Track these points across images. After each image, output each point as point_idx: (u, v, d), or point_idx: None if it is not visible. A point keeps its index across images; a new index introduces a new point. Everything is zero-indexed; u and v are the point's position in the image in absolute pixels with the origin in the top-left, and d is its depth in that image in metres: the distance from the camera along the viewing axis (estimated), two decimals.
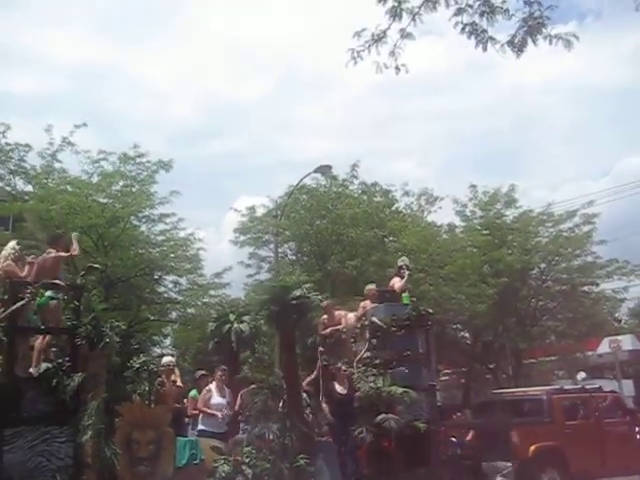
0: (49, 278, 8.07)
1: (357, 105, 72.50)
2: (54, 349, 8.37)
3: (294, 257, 25.51)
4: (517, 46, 6.62)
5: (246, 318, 9.33)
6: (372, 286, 11.55)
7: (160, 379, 8.35)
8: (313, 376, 9.27)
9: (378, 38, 6.80)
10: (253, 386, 9.24)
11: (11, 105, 58.24)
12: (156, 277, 23.03)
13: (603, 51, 72.94)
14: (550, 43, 6.51)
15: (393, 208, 24.96)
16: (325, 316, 10.14)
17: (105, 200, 21.22)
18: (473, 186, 25.03)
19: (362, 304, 10.83)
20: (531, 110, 71.40)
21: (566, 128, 73.95)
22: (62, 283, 8.17)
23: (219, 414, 8.93)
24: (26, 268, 8.61)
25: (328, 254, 23.60)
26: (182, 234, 22.67)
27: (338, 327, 10.17)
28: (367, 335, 9.81)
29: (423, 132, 72.29)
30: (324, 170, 22.97)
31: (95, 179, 21.35)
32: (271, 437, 8.41)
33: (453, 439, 11.05)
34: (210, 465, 8.25)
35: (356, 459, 9.36)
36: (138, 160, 21.46)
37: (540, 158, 72.31)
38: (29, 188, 21.40)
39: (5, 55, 63.44)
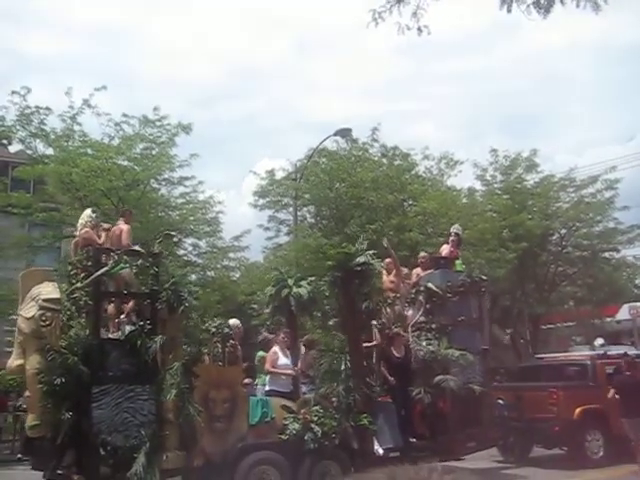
0: (124, 246, 8.58)
1: (378, 66, 72.01)
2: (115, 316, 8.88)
3: (313, 220, 25.93)
4: (544, 7, 6.49)
5: (304, 283, 9.86)
6: (424, 254, 12.07)
7: (232, 341, 8.92)
8: (373, 341, 9.82)
9: None
10: (310, 351, 9.81)
11: (30, 68, 58.09)
12: (176, 239, 23.55)
13: (630, 10, 72.38)
14: (577, 6, 6.42)
15: (413, 172, 25.22)
16: (390, 277, 10.66)
17: (125, 163, 21.52)
18: (494, 150, 25.36)
19: (414, 271, 11.34)
20: (555, 72, 70.92)
21: (591, 91, 73.61)
22: (142, 250, 8.67)
23: (290, 371, 9.46)
24: (102, 235, 9.11)
25: (347, 218, 24.01)
26: (202, 197, 23.13)
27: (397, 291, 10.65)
28: (422, 301, 10.37)
29: (444, 94, 71.99)
30: (344, 133, 23.27)
31: (116, 142, 21.67)
32: (335, 397, 9.01)
33: (500, 401, 11.71)
34: (280, 423, 8.86)
35: (412, 419, 9.99)
36: (158, 123, 21.79)
37: (564, 122, 72.02)
38: (50, 151, 21.63)
39: (22, 17, 62.92)
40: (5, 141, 32.49)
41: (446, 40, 68.58)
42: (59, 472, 7.84)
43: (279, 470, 8.63)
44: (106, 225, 9.49)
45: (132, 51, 70.40)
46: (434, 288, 10.28)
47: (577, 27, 70.05)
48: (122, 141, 21.58)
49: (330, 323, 10.16)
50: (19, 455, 15.59)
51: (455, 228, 12.43)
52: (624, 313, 24.28)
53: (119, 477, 7.75)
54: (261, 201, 24.75)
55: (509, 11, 6.59)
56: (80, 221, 9.27)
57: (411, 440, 9.70)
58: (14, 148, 27.86)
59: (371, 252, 9.54)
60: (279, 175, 24.85)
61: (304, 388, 9.66)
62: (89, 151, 21.12)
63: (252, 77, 74.94)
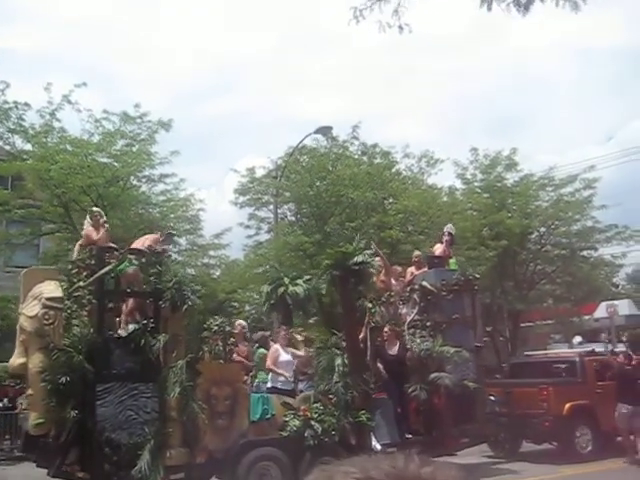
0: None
1: (360, 64, 72.42)
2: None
3: (294, 218, 26.15)
4: (523, 5, 6.53)
5: (300, 281, 10.09)
6: (418, 252, 12.37)
7: (233, 339, 9.11)
8: (361, 336, 10.07)
9: None
10: (307, 349, 10.05)
11: (9, 63, 57.12)
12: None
13: (610, 12, 73.65)
14: (557, 5, 6.44)
15: (393, 170, 25.53)
16: (380, 276, 10.92)
17: (105, 160, 21.51)
18: (474, 149, 25.78)
19: (409, 270, 11.64)
20: (537, 73, 72.04)
21: (572, 92, 74.89)
22: (144, 249, 8.82)
23: (289, 375, 9.69)
24: (101, 231, 9.24)
25: (328, 215, 24.28)
26: (183, 194, 23.23)
27: (391, 288, 10.94)
28: (417, 299, 10.66)
29: (426, 93, 72.68)
30: (325, 131, 23.53)
31: (96, 138, 21.63)
32: (334, 394, 9.26)
33: (491, 397, 12.06)
34: (281, 420, 9.09)
35: (408, 415, 10.28)
36: (139, 120, 21.81)
37: (545, 122, 73.20)
38: (28, 147, 21.50)
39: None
40: None
41: (429, 39, 69.23)
42: (63, 469, 7.97)
43: (280, 466, 8.86)
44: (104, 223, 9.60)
45: (113, 47, 69.79)
46: (429, 287, 10.59)
47: (558, 28, 71.24)
48: (102, 138, 21.55)
49: (326, 321, 10.39)
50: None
51: (449, 227, 12.77)
52: (602, 311, 24.91)
53: (123, 474, 7.91)
54: (241, 199, 24.92)
55: (489, 9, 6.64)
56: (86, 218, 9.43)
57: (407, 436, 9.99)
58: None
59: (369, 251, 9.80)
60: (260, 173, 25.03)
61: (301, 385, 9.89)
62: (68, 147, 21.06)
63: (235, 73, 74.91)
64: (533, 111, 73.59)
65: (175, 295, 8.23)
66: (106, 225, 9.39)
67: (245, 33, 75.35)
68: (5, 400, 19.03)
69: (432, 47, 72.94)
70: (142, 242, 9.33)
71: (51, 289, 8.26)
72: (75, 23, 64.82)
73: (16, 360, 8.40)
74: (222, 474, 8.92)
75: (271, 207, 24.64)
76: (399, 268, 11.72)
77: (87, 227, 9.35)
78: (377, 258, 11.10)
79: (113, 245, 9.15)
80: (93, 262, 8.44)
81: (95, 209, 9.69)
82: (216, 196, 51.37)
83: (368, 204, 24.06)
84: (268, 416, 8.98)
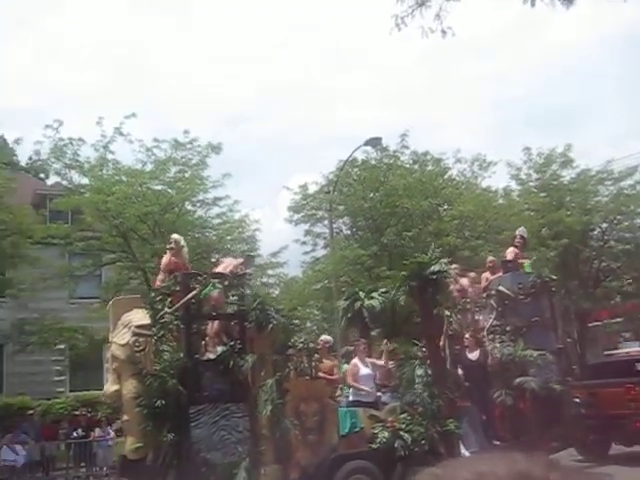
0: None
1: (402, 74, 72.63)
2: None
3: (349, 232, 26.45)
4: None
5: (375, 294, 10.29)
6: (492, 258, 12.47)
7: (317, 355, 9.35)
8: (441, 344, 10.19)
9: (422, 2, 6.74)
10: (388, 361, 10.22)
11: (62, 100, 59.35)
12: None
13: None
14: None
15: (446, 176, 25.69)
16: (459, 285, 11.06)
17: (159, 187, 22.20)
18: (527, 148, 25.74)
19: (484, 275, 11.75)
20: (585, 66, 70.90)
21: (623, 82, 73.44)
22: (227, 273, 9.16)
23: (369, 384, 9.89)
24: (181, 258, 9.62)
25: (383, 227, 24.49)
26: (237, 216, 23.74)
27: (466, 296, 11.06)
28: (494, 304, 10.75)
29: (472, 97, 72.38)
30: (374, 142, 23.74)
31: (149, 167, 22.33)
32: (420, 404, 9.41)
33: (576, 399, 11.97)
34: (369, 432, 9.27)
35: (493, 421, 10.34)
36: (189, 145, 22.43)
37: (598, 115, 71.83)
38: (85, 181, 22.34)
39: (47, 50, 64.58)
40: (42, 175, 33.49)
41: (470, 41, 68.93)
42: None
43: (372, 478, 9.03)
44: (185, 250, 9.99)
45: (157, 76, 71.60)
46: (506, 291, 10.67)
47: (605, 19, 69.96)
48: (155, 166, 22.24)
49: (404, 332, 10.56)
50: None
51: (521, 231, 12.85)
52: None
53: None
54: (296, 216, 25.32)
55: (533, 5, 6.72)
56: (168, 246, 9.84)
57: (495, 443, 10.05)
58: (51, 180, 28.75)
59: (444, 260, 9.96)
60: (312, 189, 25.41)
61: (384, 397, 10.06)
62: (123, 178, 21.79)
63: (276, 94, 75.72)
64: (585, 105, 72.34)
65: (260, 315, 8.52)
66: (185, 250, 9.75)
67: (285, 51, 76.36)
68: (79, 430, 19.60)
69: (473, 49, 72.52)
70: (224, 267, 9.67)
71: (139, 317, 8.64)
72: (118, 55, 66.84)
73: (110, 387, 8.77)
74: None
75: (326, 222, 24.95)
76: (472, 274, 11.83)
77: (167, 255, 9.74)
78: (453, 266, 11.25)
79: (196, 271, 9.49)
80: (178, 288, 8.79)
81: (174, 236, 10.09)
82: (270, 215, 52.09)
83: (423, 212, 24.22)
84: (357, 429, 9.17)
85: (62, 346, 23.97)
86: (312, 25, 73.98)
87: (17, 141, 24.50)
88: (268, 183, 69.11)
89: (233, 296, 8.80)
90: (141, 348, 8.37)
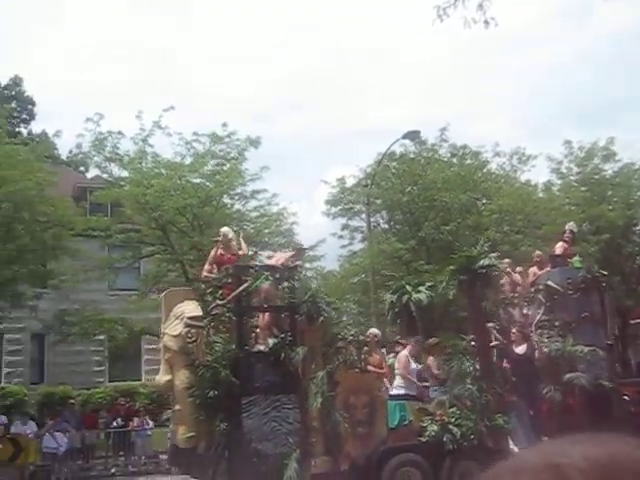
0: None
1: (439, 67, 72.15)
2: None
3: (387, 226, 26.48)
4: None
5: (422, 288, 10.36)
6: (539, 252, 12.45)
7: (366, 348, 9.46)
8: (489, 339, 10.20)
9: None
10: (435, 355, 10.27)
11: (100, 94, 60.16)
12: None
13: None
14: None
15: (485, 170, 25.56)
16: (510, 279, 11.07)
17: (198, 180, 22.48)
18: (568, 142, 25.49)
19: (531, 270, 11.74)
20: (627, 55, 69.51)
21: None
22: (278, 265, 9.30)
23: (414, 377, 9.98)
24: (231, 251, 9.80)
25: (422, 220, 24.46)
26: (275, 209, 23.97)
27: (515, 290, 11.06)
28: (542, 299, 10.74)
29: (512, 89, 71.58)
30: (413, 136, 23.71)
31: (187, 160, 22.62)
32: (468, 398, 9.47)
33: (625, 397, 11.89)
34: (418, 425, 9.37)
35: (542, 417, 10.34)
36: (227, 139, 22.66)
37: None
38: (124, 174, 22.72)
39: (87, 44, 65.55)
40: (82, 168, 34.07)
41: (507, 32, 68.04)
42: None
43: (421, 471, 9.13)
44: (235, 242, 10.15)
45: (193, 69, 72.16)
46: (554, 286, 10.64)
47: None
48: (194, 159, 22.51)
49: (452, 326, 10.60)
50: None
51: (570, 225, 12.80)
52: None
53: None
54: (333, 209, 25.42)
55: None
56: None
57: (543, 438, 10.04)
58: (91, 174, 29.25)
59: (494, 254, 9.98)
60: (350, 182, 25.47)
61: (432, 392, 10.13)
62: (162, 171, 22.10)
63: (314, 86, 75.77)
64: (628, 97, 71.00)
65: (311, 308, 8.65)
66: (234, 243, 9.92)
67: (320, 44, 76.32)
68: (118, 419, 19.97)
69: (511, 39, 71.62)
70: (276, 259, 9.82)
71: (191, 308, 8.83)
72: (155, 48, 67.51)
73: (162, 377, 8.98)
74: None
75: (363, 216, 25.00)
76: (519, 268, 11.82)
77: (216, 248, 9.92)
78: (505, 260, 11.26)
79: (248, 263, 9.65)
80: (230, 281, 8.95)
81: (222, 229, 10.27)
82: (307, 209, 52.26)
83: (462, 206, 24.13)
84: (405, 422, 9.28)
85: (101, 337, 24.44)
86: (348, 17, 73.85)
87: (57, 134, 25.08)
88: (305, 177, 69.22)
89: (284, 289, 8.93)
90: (193, 339, 8.55)
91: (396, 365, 10.14)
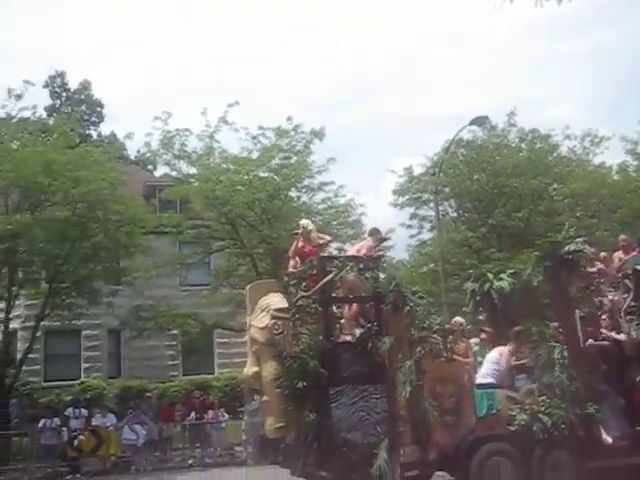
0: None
1: (505, 50, 71.12)
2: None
3: (455, 214, 26.34)
4: None
5: (504, 275, 10.29)
6: (624, 237, 12.18)
7: (451, 337, 9.47)
8: (576, 326, 10.02)
9: None
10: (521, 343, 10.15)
11: (167, 92, 61.70)
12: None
13: None
14: None
15: (555, 154, 25.09)
16: (598, 265, 10.87)
17: (266, 174, 22.78)
18: None
19: (616, 254, 11.50)
20: None
21: None
22: (361, 255, 9.39)
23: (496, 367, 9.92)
24: (311, 242, 9.93)
25: (491, 208, 24.22)
26: (342, 201, 24.08)
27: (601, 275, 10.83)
28: (629, 284, 10.50)
29: (581, 72, 69.94)
30: (480, 121, 23.36)
31: (254, 155, 22.93)
32: (557, 386, 9.35)
33: None
34: (506, 414, 9.31)
35: (635, 406, 10.10)
36: (293, 132, 22.86)
37: None
38: (192, 170, 23.20)
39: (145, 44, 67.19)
40: (150, 167, 34.99)
41: (574, 13, 66.46)
42: (306, 470, 8.64)
43: (511, 461, 9.07)
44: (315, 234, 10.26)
45: (256, 65, 73.12)
46: None
47: None
48: (260, 153, 22.80)
49: (537, 313, 10.46)
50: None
51: None
52: None
53: (361, 473, 8.42)
54: (401, 199, 25.44)
55: None
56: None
57: (638, 428, 9.85)
58: (159, 172, 29.99)
59: (581, 239, 9.83)
60: (417, 171, 25.39)
61: (517, 380, 10.02)
62: (230, 166, 22.46)
63: (373, 78, 75.69)
64: None
65: (396, 297, 8.71)
66: (313, 235, 10.04)
67: (383, 34, 76.08)
68: (193, 413, 20.41)
69: (578, 20, 69.64)
70: (357, 249, 9.89)
71: (277, 300, 8.99)
72: (217, 46, 68.49)
73: (250, 369, 9.16)
74: (453, 470, 9.27)
75: (431, 205, 24.91)
76: (603, 253, 11.59)
77: (297, 241, 10.06)
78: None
79: (331, 254, 9.76)
80: (314, 272, 9.08)
81: (302, 222, 10.41)
82: (374, 200, 52.23)
83: (533, 192, 23.81)
84: (494, 411, 9.23)
85: (175, 332, 25.05)
86: (411, 4, 73.28)
87: (129, 135, 25.72)
88: (370, 168, 69.36)
89: (367, 279, 9.00)
90: (280, 331, 8.70)
91: (495, 356, 10.07)
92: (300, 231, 10.06)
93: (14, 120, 20.86)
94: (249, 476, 15.84)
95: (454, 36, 72.44)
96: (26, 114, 21.19)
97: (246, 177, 22.24)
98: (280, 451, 9.14)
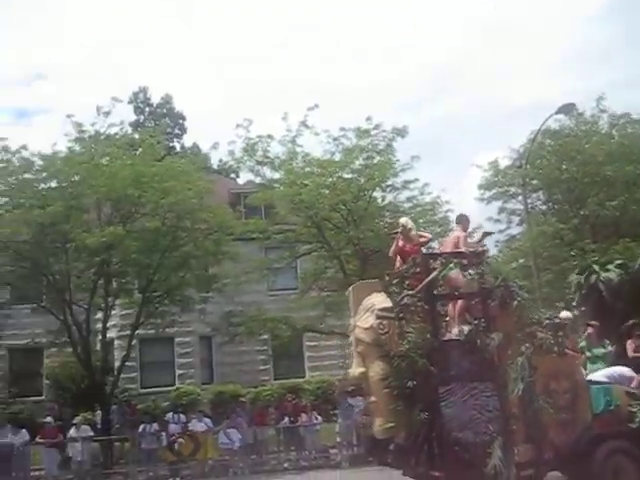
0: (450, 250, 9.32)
1: (585, 34, 69.15)
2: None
3: (545, 206, 25.72)
4: None
5: (611, 266, 9.95)
6: None
7: (561, 332, 9.24)
8: None
9: None
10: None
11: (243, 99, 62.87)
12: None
13: None
14: None
15: None
16: None
17: (349, 175, 22.80)
18: None
19: None
20: None
21: None
22: (465, 251, 9.29)
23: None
24: (412, 241, 9.90)
25: (583, 197, 23.52)
26: (428, 199, 23.83)
27: None
28: None
29: None
30: (567, 109, 22.70)
31: (337, 157, 22.98)
32: None
33: None
34: (626, 411, 9.03)
35: None
36: (374, 132, 22.78)
37: None
38: (276, 175, 23.45)
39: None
40: (233, 175, 35.70)
41: None
42: (419, 470, 8.60)
43: (634, 460, 8.77)
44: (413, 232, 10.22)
45: (332, 66, 73.58)
46: None
47: None
48: (343, 155, 22.82)
49: None
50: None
51: None
52: None
53: (474, 472, 8.31)
54: (487, 194, 24.97)
55: None
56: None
57: None
58: (241, 180, 30.52)
59: None
60: (503, 164, 24.92)
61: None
62: (314, 169, 22.56)
63: (450, 72, 74.96)
64: None
65: (504, 293, 8.57)
66: (413, 233, 9.99)
67: (461, 27, 75.20)
68: (287, 417, 20.58)
69: None
70: (453, 242, 9.72)
71: (380, 300, 8.99)
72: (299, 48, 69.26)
73: (356, 370, 9.20)
74: (569, 469, 9.04)
75: (520, 198, 24.37)
76: None
77: (397, 240, 10.04)
78: None
79: (434, 251, 9.70)
80: (417, 270, 9.03)
81: (401, 220, 10.39)
82: (458, 196, 51.55)
83: (628, 179, 22.97)
84: (611, 408, 8.95)
85: (265, 336, 25.37)
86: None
87: (214, 146, 26.25)
88: (452, 164, 68.58)
89: (472, 275, 8.89)
90: (385, 331, 8.70)
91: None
92: (400, 230, 10.03)
93: (102, 137, 21.56)
94: (345, 479, 15.95)
95: (533, 23, 70.76)
96: (114, 130, 21.88)
97: (330, 179, 22.29)
98: (390, 452, 9.11)
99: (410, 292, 8.81)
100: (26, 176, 20.53)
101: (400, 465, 9.13)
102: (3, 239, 19.57)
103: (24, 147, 20.53)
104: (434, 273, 8.69)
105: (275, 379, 27.81)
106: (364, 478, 15.46)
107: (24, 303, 23.45)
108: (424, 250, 10.07)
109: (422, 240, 10.11)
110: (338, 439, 19.45)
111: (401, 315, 8.86)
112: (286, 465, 19.22)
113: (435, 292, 8.93)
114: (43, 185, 20.89)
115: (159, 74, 68.26)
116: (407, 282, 9.12)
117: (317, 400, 24.45)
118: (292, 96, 59.71)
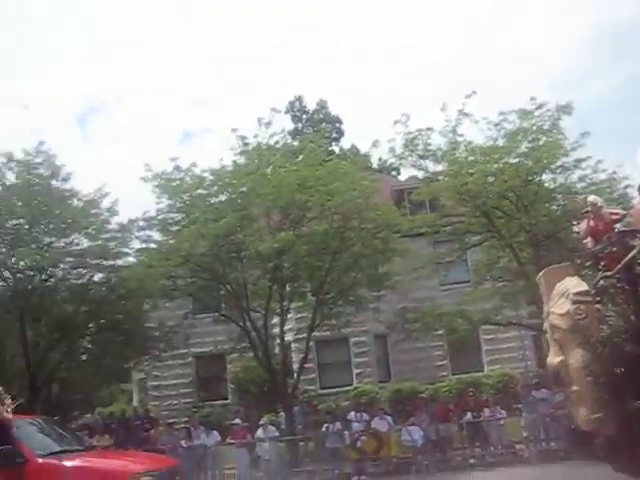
0: None
1: None
2: None
3: None
4: None
5: None
6: None
7: None
8: None
9: None
10: None
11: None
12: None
13: None
14: None
15: None
16: None
17: (515, 160, 21.97)
18: None
19: None
20: None
21: None
22: None
23: None
24: (604, 219, 9.33)
25: None
26: (603, 176, 22.48)
27: None
28: None
29: None
30: None
31: (500, 142, 22.22)
32: None
33: None
34: None
35: None
36: (537, 112, 21.80)
37: None
38: (439, 168, 23.08)
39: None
40: (394, 172, 35.86)
41: None
42: (635, 465, 8.03)
43: None
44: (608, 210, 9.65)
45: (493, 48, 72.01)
46: None
47: None
48: (507, 140, 22.04)
49: None
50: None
51: None
52: None
53: None
54: None
55: None
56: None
57: None
58: (402, 176, 30.49)
59: None
60: None
61: None
62: (478, 157, 21.97)
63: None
64: None
65: None
66: (604, 211, 9.41)
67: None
68: (470, 412, 20.18)
69: None
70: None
71: (574, 284, 8.51)
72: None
73: (554, 358, 8.78)
74: None
75: None
76: None
77: (587, 220, 9.51)
78: None
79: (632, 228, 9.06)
80: (614, 250, 8.47)
81: (590, 198, 9.84)
82: (631, 171, 48.59)
83: None
84: None
85: (440, 332, 25.09)
86: None
87: (375, 144, 26.33)
88: (622, 138, 64.79)
89: None
90: (583, 316, 8.21)
91: None
92: (589, 209, 9.48)
93: (264, 147, 22.31)
94: (538, 477, 15.35)
95: None
96: (274, 139, 22.55)
97: (496, 166, 21.62)
98: (597, 445, 8.57)
99: (607, 273, 8.25)
100: (199, 191, 21.66)
101: (611, 459, 8.55)
102: (183, 253, 20.73)
103: (194, 164, 21.74)
104: (634, 250, 8.07)
105: (453, 374, 27.45)
106: (557, 475, 14.81)
107: (206, 312, 24.86)
108: (618, 227, 9.39)
109: (615, 217, 9.47)
110: (524, 434, 18.81)
111: (599, 298, 8.32)
112: (472, 461, 18.86)
113: (637, 271, 8.29)
114: (215, 199, 21.94)
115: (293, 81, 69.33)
116: (602, 263, 8.55)
117: (498, 394, 23.84)
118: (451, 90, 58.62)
